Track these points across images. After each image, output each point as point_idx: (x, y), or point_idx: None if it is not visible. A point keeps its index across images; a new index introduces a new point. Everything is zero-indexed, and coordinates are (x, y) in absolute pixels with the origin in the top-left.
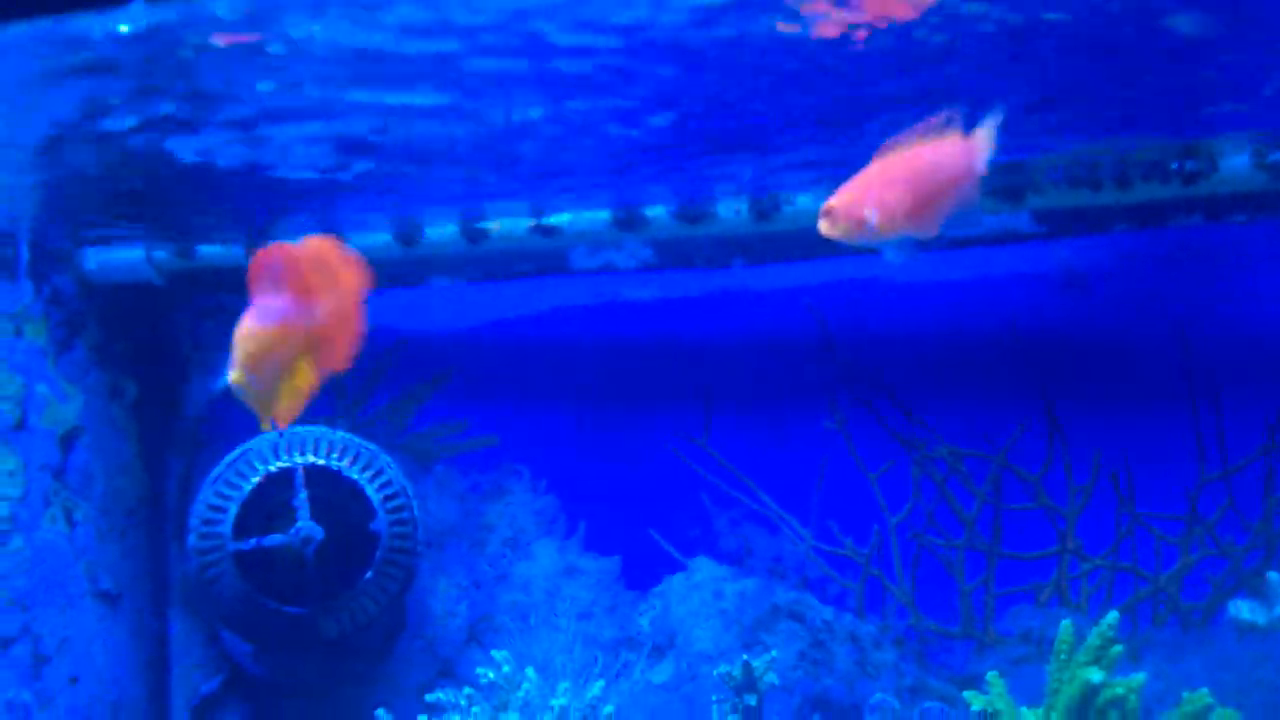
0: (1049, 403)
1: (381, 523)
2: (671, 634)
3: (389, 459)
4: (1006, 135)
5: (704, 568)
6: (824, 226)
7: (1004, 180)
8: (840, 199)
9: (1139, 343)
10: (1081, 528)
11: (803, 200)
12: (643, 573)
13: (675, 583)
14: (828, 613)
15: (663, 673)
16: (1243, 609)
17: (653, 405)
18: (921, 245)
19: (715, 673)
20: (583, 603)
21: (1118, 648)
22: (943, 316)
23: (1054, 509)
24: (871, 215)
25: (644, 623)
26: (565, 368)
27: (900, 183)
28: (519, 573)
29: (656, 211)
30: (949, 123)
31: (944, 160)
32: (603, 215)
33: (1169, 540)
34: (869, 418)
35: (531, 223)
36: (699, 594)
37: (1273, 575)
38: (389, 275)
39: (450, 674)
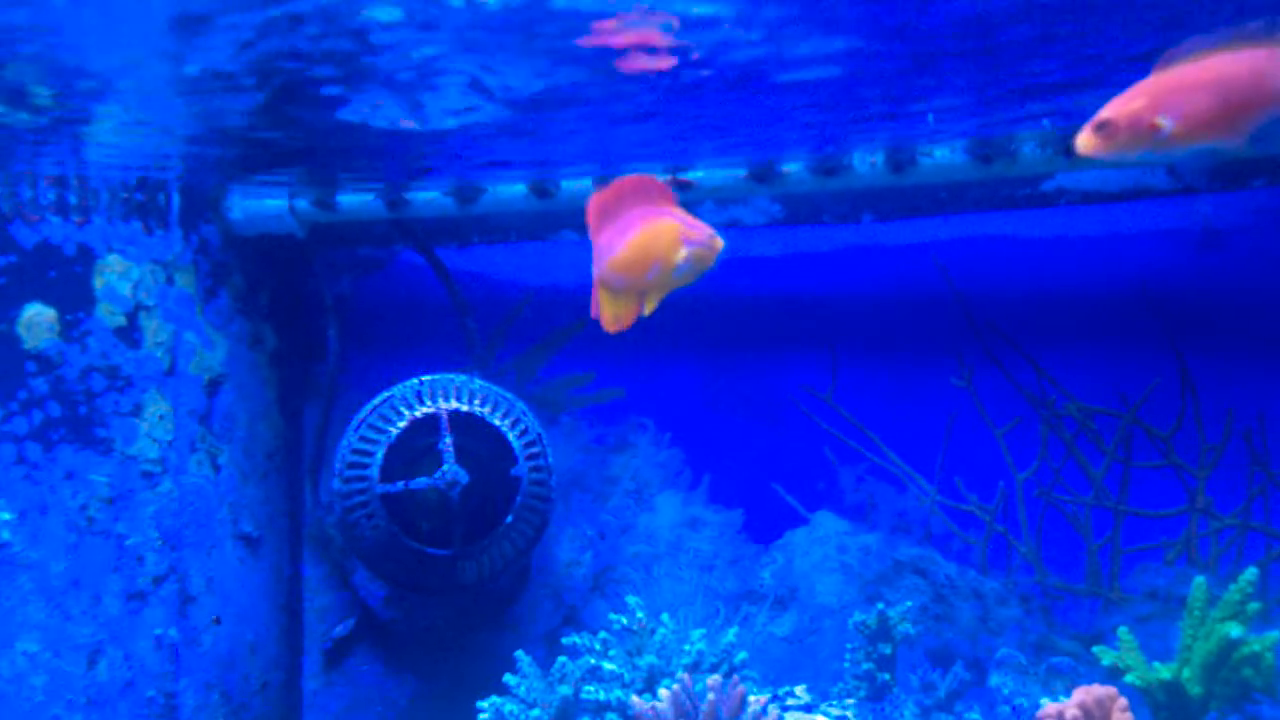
0: (1181, 360)
1: (522, 469)
2: (794, 587)
3: (525, 407)
4: None
5: (827, 522)
6: (1091, 143)
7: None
8: (1121, 108)
9: (1274, 300)
10: (1212, 486)
11: (940, 153)
12: (766, 526)
13: (798, 537)
14: (951, 569)
15: (784, 625)
16: None
17: (778, 360)
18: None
19: (850, 621)
20: (705, 555)
21: (1255, 604)
22: (1074, 273)
23: (1184, 467)
24: (1167, 123)
25: (766, 575)
26: (692, 322)
27: (1204, 88)
28: (642, 524)
29: (793, 167)
30: (1259, 33)
31: (1257, 66)
32: (738, 171)
33: None
34: (997, 374)
35: (668, 177)
36: (821, 548)
37: None
38: (522, 229)
39: (575, 621)
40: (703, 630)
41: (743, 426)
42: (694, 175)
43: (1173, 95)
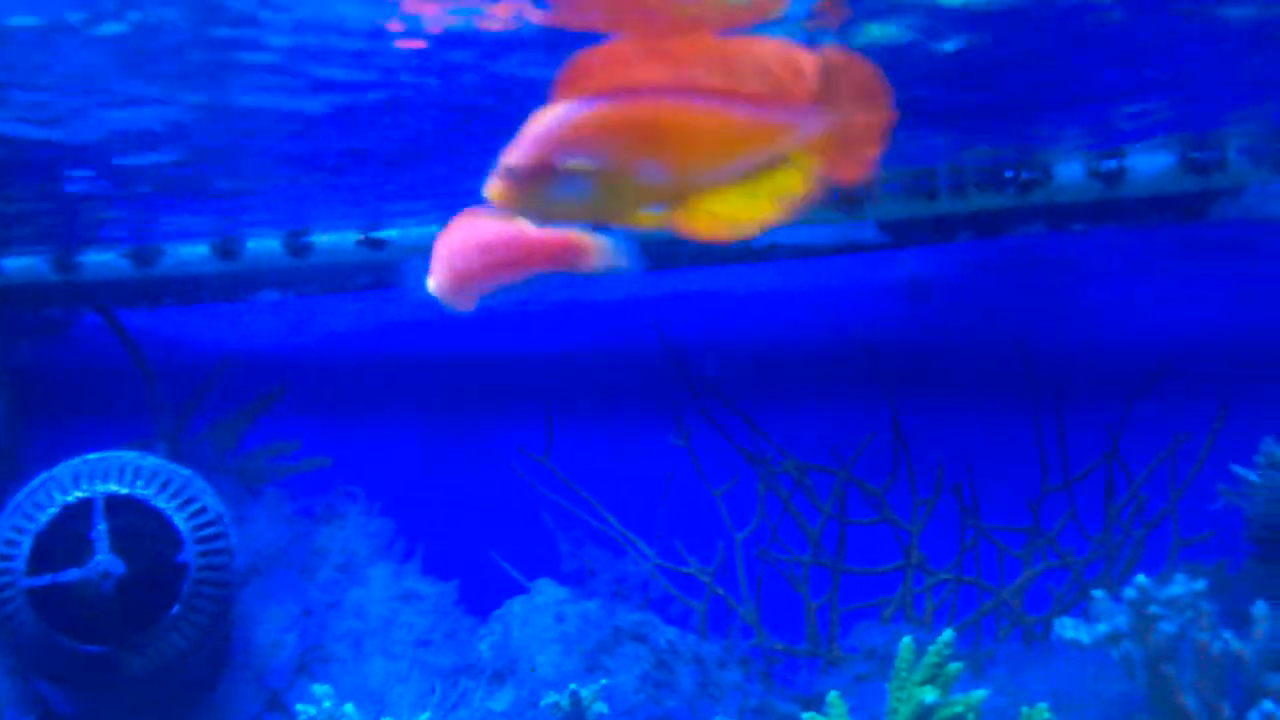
0: (894, 414)
1: (189, 554)
2: (513, 659)
3: (204, 484)
4: None
5: (546, 590)
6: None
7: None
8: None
9: (980, 351)
10: (926, 541)
11: None
12: (484, 596)
13: (516, 606)
14: (671, 633)
15: (503, 700)
16: (1068, 627)
17: (495, 422)
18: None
19: (542, 703)
20: (421, 629)
21: (955, 665)
22: (787, 328)
23: (898, 523)
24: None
25: (484, 648)
26: (404, 384)
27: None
28: (352, 599)
29: None
30: None
31: None
32: (434, 229)
33: (1012, 553)
34: (715, 433)
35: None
36: (540, 617)
37: (1097, 593)
38: (213, 291)
39: (280, 706)
40: (391, 718)
41: (459, 492)
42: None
43: None
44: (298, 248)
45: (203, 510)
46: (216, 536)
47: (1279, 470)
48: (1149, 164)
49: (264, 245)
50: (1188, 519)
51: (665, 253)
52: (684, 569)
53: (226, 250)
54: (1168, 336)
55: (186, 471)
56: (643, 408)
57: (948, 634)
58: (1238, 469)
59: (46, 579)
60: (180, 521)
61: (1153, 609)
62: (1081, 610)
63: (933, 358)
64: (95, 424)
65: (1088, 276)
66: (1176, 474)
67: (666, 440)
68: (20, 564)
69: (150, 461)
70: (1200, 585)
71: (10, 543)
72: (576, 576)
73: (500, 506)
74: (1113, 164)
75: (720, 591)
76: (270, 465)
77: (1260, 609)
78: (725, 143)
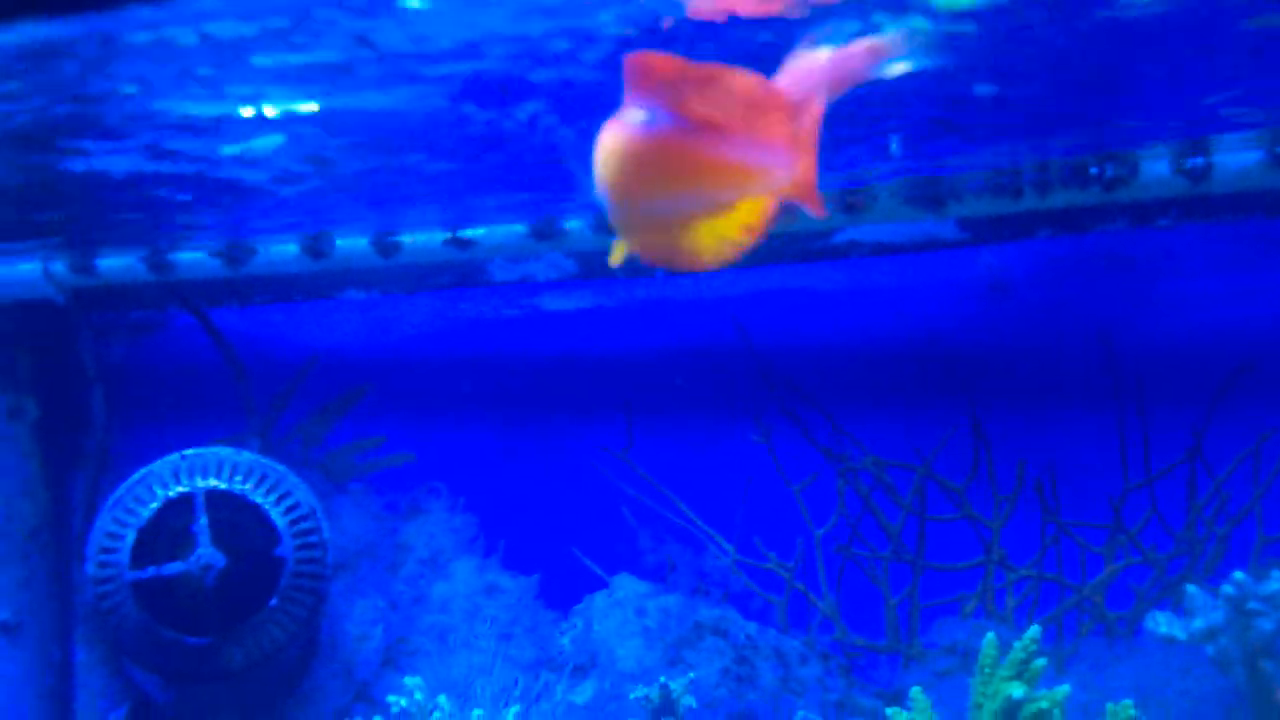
0: (973, 411)
1: (287, 548)
2: (593, 653)
3: (298, 480)
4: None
5: (626, 585)
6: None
7: (924, 190)
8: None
9: (1059, 349)
10: (1007, 538)
11: None
12: (564, 591)
13: (597, 600)
14: (752, 628)
15: (585, 693)
16: (1161, 622)
17: (575, 419)
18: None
19: (632, 696)
20: (503, 622)
21: (1041, 661)
22: (868, 326)
23: (978, 519)
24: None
25: (565, 642)
26: (485, 381)
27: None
28: (437, 593)
29: (574, 224)
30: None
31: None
32: (518, 229)
33: (1094, 549)
34: (794, 430)
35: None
36: (621, 611)
37: (1191, 588)
38: (303, 288)
39: (367, 698)
40: (481, 711)
41: (540, 489)
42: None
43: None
44: (386, 247)
45: (297, 505)
46: (311, 531)
47: None
48: (1235, 160)
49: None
50: (1271, 516)
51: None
52: (764, 564)
53: (315, 250)
54: (1252, 333)
55: (281, 467)
56: (723, 405)
57: (1034, 630)
58: None
59: (150, 572)
60: (277, 516)
61: (1252, 604)
62: (1168, 606)
63: (1011, 355)
64: (187, 422)
65: (1171, 272)
66: (1260, 471)
67: (746, 437)
68: (124, 557)
69: (246, 457)
70: None
71: (113, 535)
72: (657, 572)
73: (581, 503)
74: (1199, 160)
75: (800, 587)
76: (356, 462)
77: None
78: (722, 180)
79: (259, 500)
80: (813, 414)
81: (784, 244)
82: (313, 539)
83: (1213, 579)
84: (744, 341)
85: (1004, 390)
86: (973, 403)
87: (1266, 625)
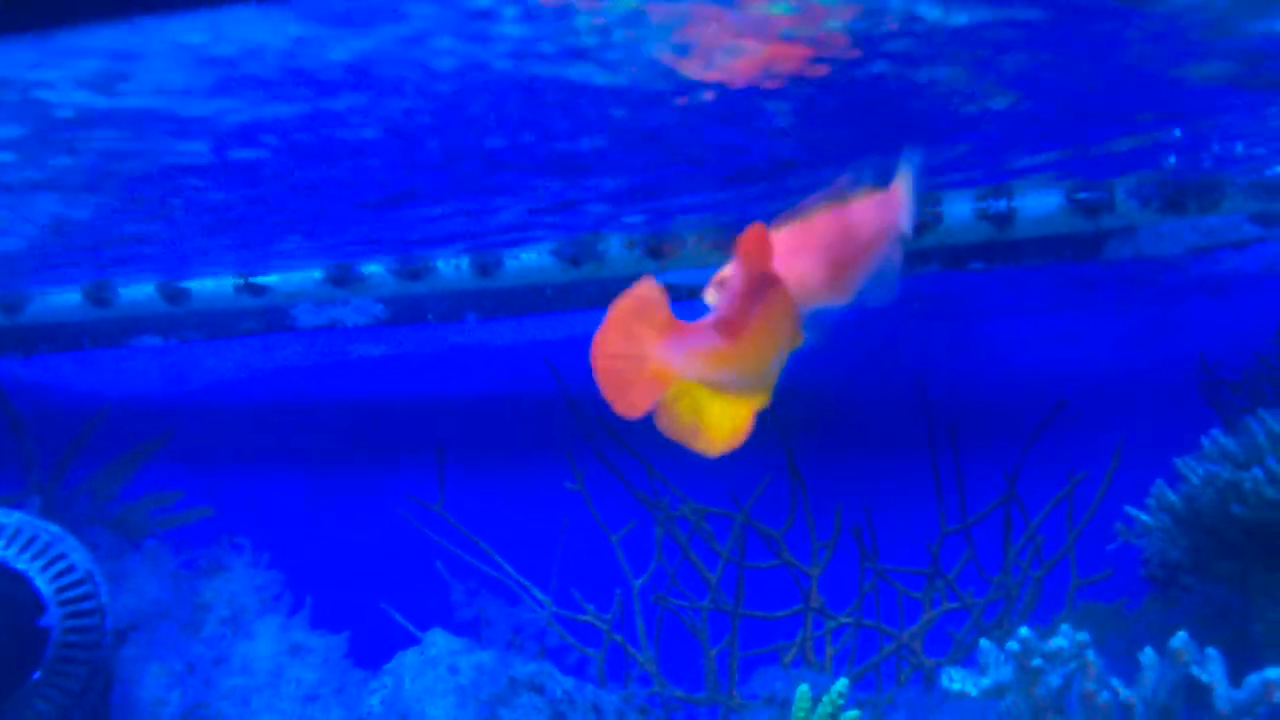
0: (791, 458)
1: (53, 617)
2: (404, 713)
3: (75, 542)
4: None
5: (439, 641)
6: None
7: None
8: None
9: (876, 390)
10: (825, 585)
11: (526, 256)
12: (374, 649)
13: (408, 658)
14: (569, 683)
15: None
16: (955, 679)
17: (385, 469)
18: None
19: None
20: (309, 684)
21: (852, 713)
22: None
23: (797, 566)
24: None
25: (374, 702)
26: (291, 431)
27: (813, 250)
28: (239, 654)
29: (373, 269)
30: (854, 184)
31: (862, 221)
32: (315, 274)
33: (912, 595)
34: (611, 478)
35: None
36: (433, 669)
37: (985, 642)
38: (89, 337)
39: None
40: None
41: (349, 542)
42: (267, 280)
43: (782, 257)
44: (173, 294)
45: (71, 569)
46: (86, 597)
47: (1169, 512)
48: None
49: (138, 291)
50: (1086, 559)
51: (558, 297)
52: (581, 617)
53: (99, 298)
54: (1064, 375)
55: (55, 528)
56: (538, 453)
57: (842, 682)
58: (1131, 510)
59: None
60: (43, 583)
61: (1036, 662)
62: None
63: (830, 399)
64: None
65: (983, 314)
66: (1074, 514)
67: (562, 486)
68: None
69: (15, 518)
70: (1084, 636)
71: None
72: (471, 626)
73: (392, 556)
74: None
75: (619, 639)
76: (152, 517)
77: (1149, 656)
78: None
79: (22, 568)
80: (630, 461)
81: (598, 289)
82: (86, 605)
83: (1031, 622)
84: (560, 387)
85: (822, 435)
86: (790, 449)
87: (1055, 681)
